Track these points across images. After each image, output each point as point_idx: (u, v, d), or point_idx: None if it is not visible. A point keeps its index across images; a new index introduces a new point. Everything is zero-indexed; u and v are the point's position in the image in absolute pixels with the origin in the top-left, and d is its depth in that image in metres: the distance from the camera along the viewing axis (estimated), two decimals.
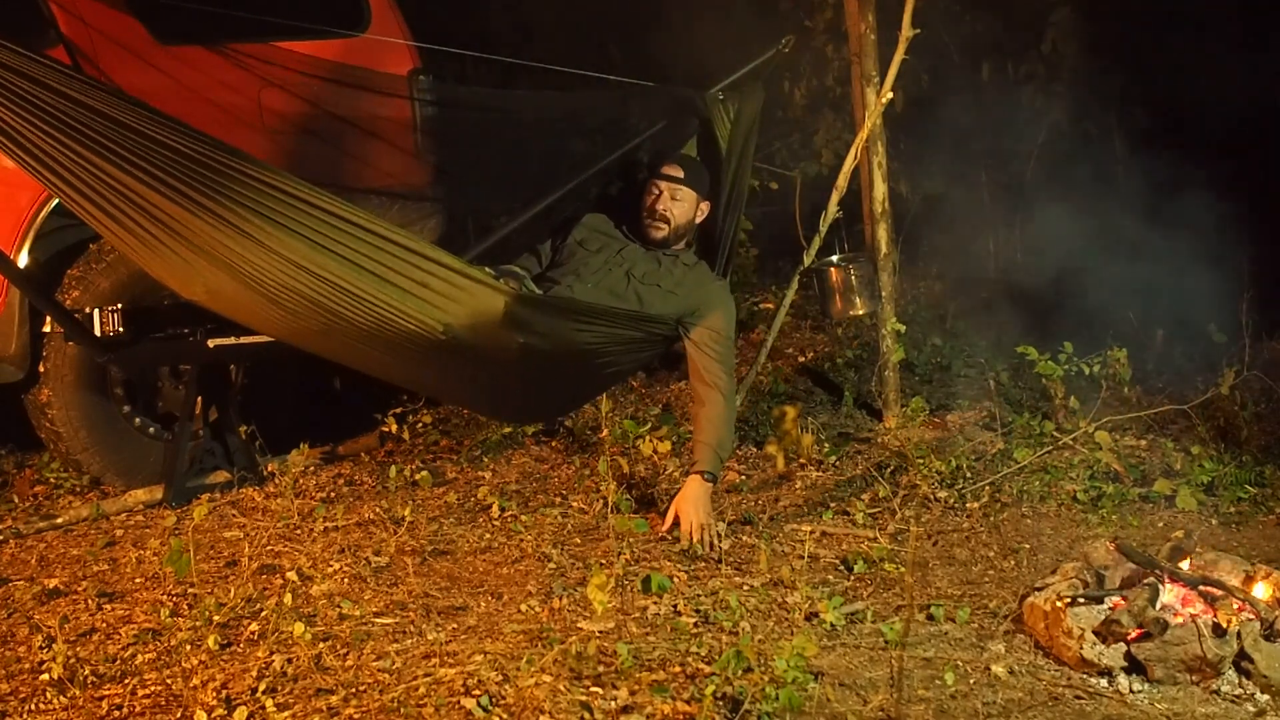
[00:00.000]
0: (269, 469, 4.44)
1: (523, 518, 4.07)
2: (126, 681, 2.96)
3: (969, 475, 4.34)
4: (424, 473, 4.22)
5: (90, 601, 3.45)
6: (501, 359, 3.64)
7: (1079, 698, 2.97)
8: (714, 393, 3.96)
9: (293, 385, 4.85)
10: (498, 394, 4.07)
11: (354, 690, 2.88)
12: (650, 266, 4.06)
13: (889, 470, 4.42)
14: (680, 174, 4.09)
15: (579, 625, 3.25)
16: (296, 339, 3.82)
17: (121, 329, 4.01)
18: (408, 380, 4.25)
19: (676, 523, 3.87)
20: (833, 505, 4.18)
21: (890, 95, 4.56)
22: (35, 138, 3.28)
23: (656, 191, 4.09)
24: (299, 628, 3.08)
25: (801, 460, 4.54)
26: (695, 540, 3.80)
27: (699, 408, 3.99)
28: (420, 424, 4.81)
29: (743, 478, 4.45)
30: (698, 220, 4.15)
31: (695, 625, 3.26)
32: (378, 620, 3.30)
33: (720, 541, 3.82)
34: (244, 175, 3.28)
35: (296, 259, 3.36)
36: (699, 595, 3.47)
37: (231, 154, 3.28)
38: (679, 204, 4.09)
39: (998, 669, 3.06)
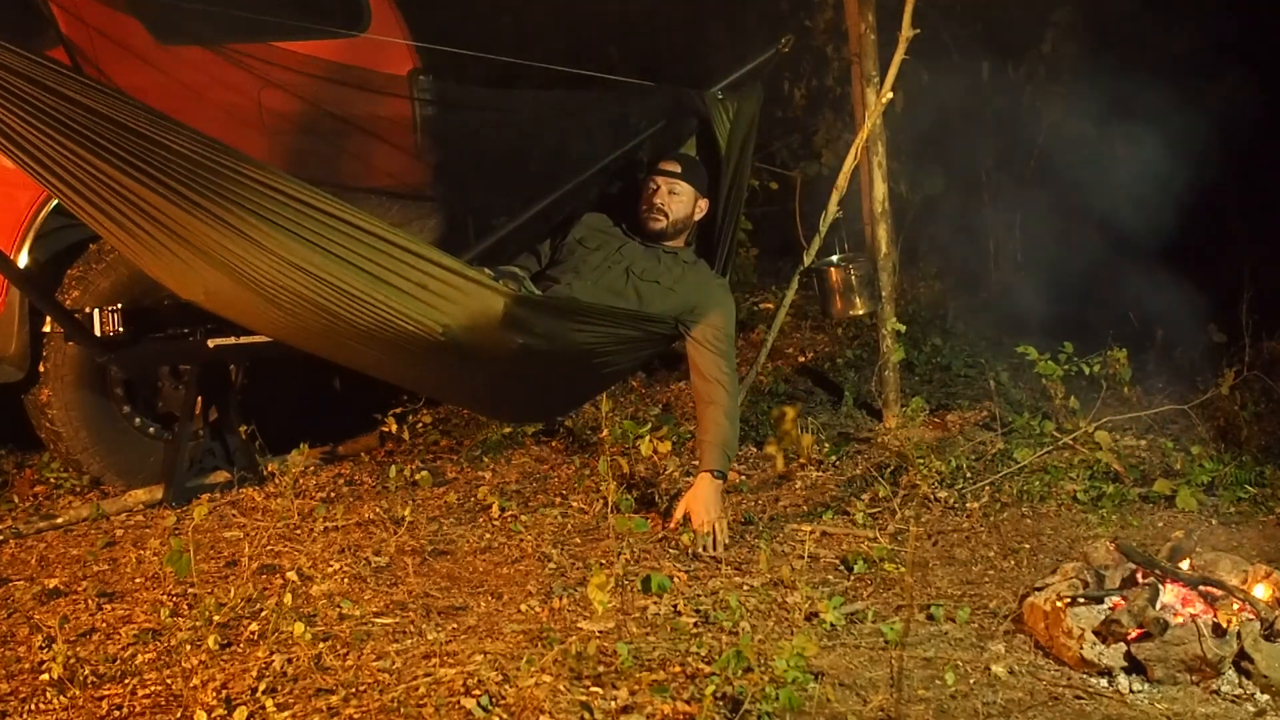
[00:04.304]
0: (269, 469, 4.44)
1: (523, 518, 4.07)
2: (126, 681, 2.96)
3: (969, 475, 4.34)
4: (424, 473, 4.22)
5: (90, 601, 3.45)
6: (500, 359, 3.64)
7: (1079, 698, 2.97)
8: (717, 389, 3.94)
9: (293, 385, 4.85)
10: (497, 394, 4.08)
11: (354, 690, 2.88)
12: (650, 263, 4.06)
13: (889, 470, 4.41)
14: (678, 169, 4.13)
15: (579, 625, 3.25)
16: (296, 340, 3.82)
17: (121, 329, 4.01)
18: (407, 381, 4.25)
19: (684, 521, 3.86)
20: (833, 505, 4.18)
21: (890, 95, 4.56)
22: (35, 139, 3.28)
23: (654, 185, 4.13)
24: (299, 628, 3.08)
25: (801, 460, 4.54)
26: (707, 539, 3.79)
27: (703, 406, 3.97)
28: (420, 424, 4.81)
29: (743, 478, 4.45)
30: (696, 218, 4.16)
31: (695, 625, 3.26)
32: (378, 620, 3.30)
33: (725, 541, 3.81)
34: (242, 177, 3.28)
35: (295, 260, 3.37)
36: (699, 595, 3.47)
37: (230, 155, 3.28)
38: (676, 198, 4.10)
39: (998, 669, 3.06)
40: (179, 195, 3.29)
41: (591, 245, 4.13)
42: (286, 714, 2.78)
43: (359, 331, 3.51)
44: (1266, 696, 3.00)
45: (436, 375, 3.92)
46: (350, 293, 3.40)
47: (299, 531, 3.98)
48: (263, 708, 2.79)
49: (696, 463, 4.44)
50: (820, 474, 4.49)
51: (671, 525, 3.90)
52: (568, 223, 4.25)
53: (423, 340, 3.48)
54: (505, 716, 2.76)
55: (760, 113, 4.32)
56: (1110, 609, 3.16)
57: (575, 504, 4.20)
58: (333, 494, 4.33)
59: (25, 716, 2.84)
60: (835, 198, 4.62)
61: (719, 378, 3.95)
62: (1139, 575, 3.30)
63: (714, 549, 3.78)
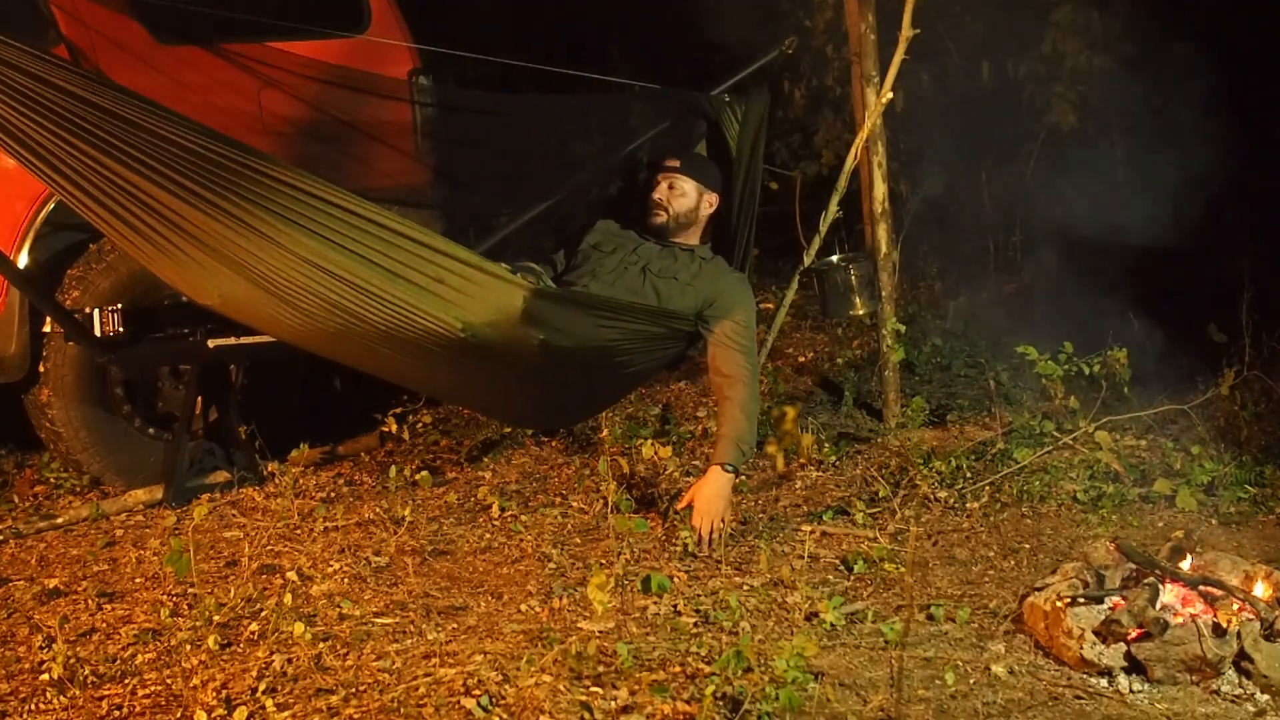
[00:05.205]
0: (269, 469, 4.44)
1: (523, 518, 4.07)
2: (126, 681, 2.96)
3: (969, 475, 4.34)
4: (424, 473, 4.22)
5: (90, 601, 3.45)
6: (522, 358, 3.58)
7: (1079, 698, 2.97)
8: (735, 385, 3.88)
9: (293, 385, 4.85)
10: (518, 396, 4.03)
11: (354, 690, 2.88)
12: (666, 261, 4.05)
13: (889, 470, 4.42)
14: (677, 163, 4.12)
15: (579, 625, 3.25)
16: (313, 343, 3.78)
17: (121, 329, 4.01)
18: (426, 385, 4.22)
19: (688, 509, 3.83)
20: (833, 505, 4.18)
21: (890, 95, 4.56)
22: (40, 137, 3.23)
23: (655, 182, 4.13)
24: (299, 628, 3.08)
25: (801, 460, 4.54)
26: (703, 534, 3.77)
27: (721, 401, 3.92)
28: (420, 424, 4.81)
29: (743, 478, 4.44)
30: (703, 211, 4.14)
31: (695, 625, 3.26)
32: (378, 620, 3.30)
33: (722, 540, 3.80)
34: (255, 172, 3.23)
35: (311, 257, 3.32)
36: (699, 595, 3.47)
37: (242, 150, 3.22)
38: (675, 192, 4.09)
39: (998, 669, 3.06)
40: (192, 193, 3.24)
41: (607, 249, 4.12)
42: (286, 714, 2.78)
43: (378, 332, 3.46)
44: (1266, 696, 3.00)
45: (456, 377, 3.86)
46: (368, 290, 3.35)
47: (299, 531, 3.98)
48: (263, 708, 2.79)
49: (697, 463, 4.47)
50: (820, 474, 4.49)
51: (679, 507, 3.87)
52: (580, 232, 4.24)
53: (443, 339, 3.43)
54: (505, 716, 2.76)
55: (768, 114, 4.33)
56: (1110, 609, 3.16)
57: (575, 504, 4.20)
58: (333, 494, 4.33)
59: (25, 716, 2.85)
60: (835, 198, 4.62)
61: (737, 373, 3.89)
62: (1139, 575, 3.30)
63: (707, 548, 3.77)
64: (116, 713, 2.85)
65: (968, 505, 4.16)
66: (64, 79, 3.17)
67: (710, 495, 3.82)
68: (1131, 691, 3.01)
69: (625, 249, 4.10)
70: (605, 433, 4.59)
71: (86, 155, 3.25)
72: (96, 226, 3.51)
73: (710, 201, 4.15)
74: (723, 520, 3.81)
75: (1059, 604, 3.18)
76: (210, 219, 3.29)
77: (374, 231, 3.32)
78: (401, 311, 3.38)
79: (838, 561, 3.74)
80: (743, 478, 4.43)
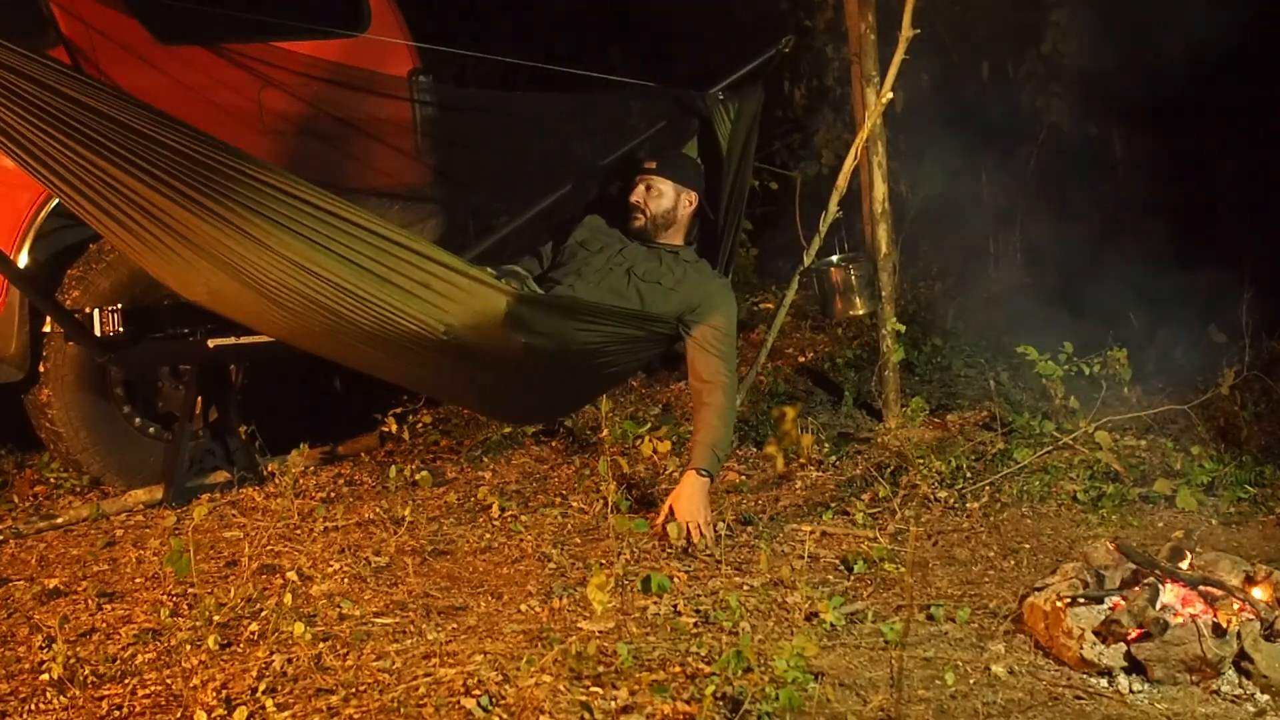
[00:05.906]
0: (269, 469, 4.44)
1: (523, 518, 4.07)
2: (126, 681, 2.96)
3: (969, 475, 4.34)
4: (424, 473, 4.22)
5: (90, 601, 3.45)
6: (504, 359, 3.65)
7: (1079, 698, 2.97)
8: (714, 391, 3.94)
9: (293, 385, 4.85)
10: (500, 395, 4.08)
11: (354, 690, 2.88)
12: (651, 264, 4.06)
13: (889, 470, 4.41)
14: (653, 165, 4.14)
15: (579, 625, 3.25)
16: (298, 340, 3.83)
17: (121, 329, 4.01)
18: (410, 381, 4.25)
19: (669, 517, 3.85)
20: (833, 505, 4.18)
21: (890, 95, 4.56)
22: (36, 138, 3.28)
23: (633, 184, 4.14)
24: (299, 628, 3.08)
25: (801, 460, 4.54)
26: (689, 537, 3.78)
27: (699, 406, 3.97)
28: (420, 424, 4.81)
29: (743, 478, 4.45)
30: (682, 211, 4.14)
31: (695, 625, 3.26)
32: (378, 620, 3.30)
33: (713, 539, 3.80)
34: (245, 175, 3.28)
35: (297, 259, 3.37)
36: (699, 595, 3.47)
37: (233, 154, 3.28)
38: (653, 194, 4.11)
39: (998, 669, 3.06)
40: (181, 194, 3.29)
41: (593, 248, 4.13)
42: (286, 714, 2.78)
43: (362, 331, 3.51)
44: (1266, 696, 3.00)
45: (440, 375, 3.92)
46: (353, 292, 3.40)
47: (299, 531, 3.98)
48: (263, 708, 2.79)
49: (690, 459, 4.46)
50: (820, 474, 4.49)
51: (658, 522, 3.88)
52: (569, 225, 4.25)
53: (426, 340, 3.48)
54: (505, 716, 2.76)
55: (760, 113, 4.33)
56: (1110, 609, 3.16)
57: (575, 504, 4.20)
58: (333, 494, 4.33)
59: (25, 716, 2.85)
60: (835, 198, 4.61)
61: (716, 379, 3.95)
62: (1139, 575, 3.30)
63: (702, 549, 3.76)
64: (116, 713, 2.85)
65: (968, 505, 4.16)
66: (58, 81, 3.23)
67: (689, 498, 3.85)
68: (1131, 691, 3.01)
69: (611, 249, 4.11)
70: (605, 433, 4.60)
71: (79, 155, 3.30)
72: (87, 223, 3.55)
73: (689, 200, 4.15)
74: (707, 522, 3.82)
75: (1059, 604, 3.18)
76: (200, 219, 3.34)
77: (361, 236, 3.38)
78: (386, 313, 3.43)
79: (838, 561, 3.74)
80: (742, 478, 4.44)
